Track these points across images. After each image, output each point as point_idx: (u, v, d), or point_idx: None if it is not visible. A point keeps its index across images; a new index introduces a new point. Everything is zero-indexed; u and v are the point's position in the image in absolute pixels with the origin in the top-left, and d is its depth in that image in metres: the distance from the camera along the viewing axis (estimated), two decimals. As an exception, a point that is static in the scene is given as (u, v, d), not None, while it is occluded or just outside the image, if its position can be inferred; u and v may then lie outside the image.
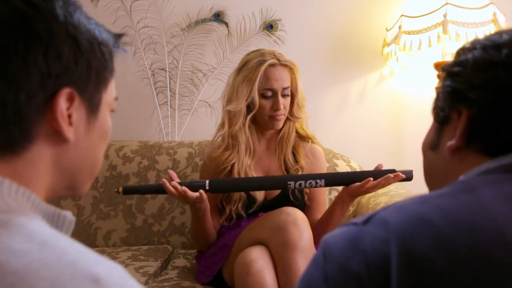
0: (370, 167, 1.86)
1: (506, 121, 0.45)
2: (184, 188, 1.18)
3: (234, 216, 1.36)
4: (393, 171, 1.23)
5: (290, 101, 1.38)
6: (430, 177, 0.58)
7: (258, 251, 1.12)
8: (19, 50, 0.40)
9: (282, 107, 1.34)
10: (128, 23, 1.93)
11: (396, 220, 0.41)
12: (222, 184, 1.28)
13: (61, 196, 0.49)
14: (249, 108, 1.35)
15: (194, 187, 1.20)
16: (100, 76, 0.48)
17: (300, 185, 1.22)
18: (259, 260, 1.10)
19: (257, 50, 1.41)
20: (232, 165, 1.35)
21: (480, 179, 0.45)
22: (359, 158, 1.87)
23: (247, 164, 1.37)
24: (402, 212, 0.42)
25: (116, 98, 0.53)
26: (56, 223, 0.43)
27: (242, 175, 1.35)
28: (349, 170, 1.71)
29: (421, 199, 0.43)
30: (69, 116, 0.44)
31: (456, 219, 0.39)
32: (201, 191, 1.20)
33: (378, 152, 2.02)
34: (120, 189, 1.21)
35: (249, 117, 1.35)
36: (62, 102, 0.43)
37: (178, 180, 1.21)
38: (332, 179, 1.27)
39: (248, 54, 1.40)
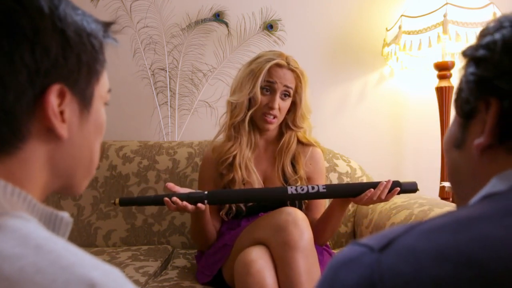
0: (370, 167, 1.87)
1: None
2: (185, 203, 1.17)
3: (233, 209, 1.35)
4: (398, 183, 1.22)
5: (288, 107, 1.37)
6: (455, 179, 0.49)
7: (258, 251, 1.12)
8: (4, 48, 0.38)
9: (276, 106, 1.32)
10: (128, 23, 1.92)
11: (428, 253, 0.31)
12: (220, 195, 1.25)
13: (59, 193, 0.48)
14: (251, 104, 1.35)
15: (192, 198, 1.18)
16: (91, 69, 0.46)
17: (301, 189, 1.20)
18: (259, 260, 1.10)
19: (274, 50, 1.42)
20: (234, 157, 1.35)
21: None
22: (359, 158, 1.87)
23: (248, 157, 1.37)
24: (434, 241, 0.32)
25: (109, 90, 0.51)
26: (53, 225, 0.42)
27: (243, 168, 1.35)
28: (349, 170, 1.71)
29: (457, 224, 0.34)
30: (61, 113, 0.43)
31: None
32: (199, 205, 1.18)
33: (378, 152, 2.02)
34: (117, 200, 1.17)
35: (250, 112, 1.35)
36: (52, 99, 0.41)
37: (178, 190, 1.20)
38: (333, 193, 1.24)
39: (263, 51, 1.41)
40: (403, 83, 2.03)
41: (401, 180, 1.25)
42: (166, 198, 1.17)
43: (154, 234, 1.67)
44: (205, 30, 2.00)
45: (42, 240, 0.35)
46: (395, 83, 2.04)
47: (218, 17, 1.97)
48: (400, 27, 1.74)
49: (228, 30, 1.97)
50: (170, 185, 1.21)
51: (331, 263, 0.36)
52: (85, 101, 0.46)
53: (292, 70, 1.35)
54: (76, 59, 0.43)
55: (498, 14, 1.66)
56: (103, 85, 0.49)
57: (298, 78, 1.36)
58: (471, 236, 0.32)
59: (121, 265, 1.41)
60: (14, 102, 0.40)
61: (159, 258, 1.50)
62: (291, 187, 1.21)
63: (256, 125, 1.39)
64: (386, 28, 1.90)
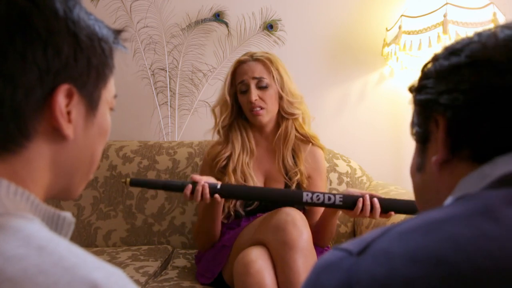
0: (370, 167, 1.87)
1: (486, 121, 0.41)
2: (205, 185, 1.16)
3: (232, 214, 1.35)
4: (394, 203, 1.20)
5: (271, 95, 1.35)
6: (423, 201, 0.53)
7: (258, 251, 1.12)
8: (17, 46, 0.39)
9: (254, 97, 1.32)
10: (128, 23, 1.93)
11: (401, 255, 0.33)
12: (233, 190, 1.22)
13: (55, 197, 0.48)
14: (233, 108, 1.39)
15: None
16: (100, 72, 0.47)
17: (316, 198, 1.15)
18: (258, 260, 1.10)
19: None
20: (227, 160, 1.36)
21: (494, 195, 0.37)
22: (359, 158, 1.87)
23: (245, 162, 1.37)
24: (407, 243, 0.34)
25: (115, 96, 0.52)
26: (55, 225, 0.42)
27: (239, 173, 1.35)
28: (349, 170, 1.71)
29: (428, 225, 0.35)
30: (68, 113, 0.43)
31: (480, 259, 0.31)
32: (216, 196, 1.17)
33: (378, 152, 2.02)
34: (128, 180, 1.18)
35: (233, 115, 1.39)
36: (60, 99, 0.42)
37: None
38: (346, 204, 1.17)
39: None
40: (403, 83, 2.03)
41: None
42: (189, 185, 1.16)
43: (154, 234, 1.67)
44: (205, 30, 2.00)
45: (45, 240, 0.35)
46: (395, 83, 2.03)
47: (218, 17, 1.97)
48: (400, 27, 1.74)
49: (228, 30, 1.97)
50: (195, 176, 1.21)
51: (314, 267, 0.38)
52: (92, 103, 0.46)
53: (257, 60, 1.36)
54: (86, 62, 0.44)
55: (498, 14, 1.65)
56: (110, 90, 0.50)
57: (265, 64, 1.35)
58: (440, 237, 0.33)
59: (121, 265, 1.41)
60: (23, 100, 0.40)
61: (159, 258, 1.50)
62: (307, 194, 1.15)
63: (253, 126, 1.40)
64: (386, 28, 1.90)
